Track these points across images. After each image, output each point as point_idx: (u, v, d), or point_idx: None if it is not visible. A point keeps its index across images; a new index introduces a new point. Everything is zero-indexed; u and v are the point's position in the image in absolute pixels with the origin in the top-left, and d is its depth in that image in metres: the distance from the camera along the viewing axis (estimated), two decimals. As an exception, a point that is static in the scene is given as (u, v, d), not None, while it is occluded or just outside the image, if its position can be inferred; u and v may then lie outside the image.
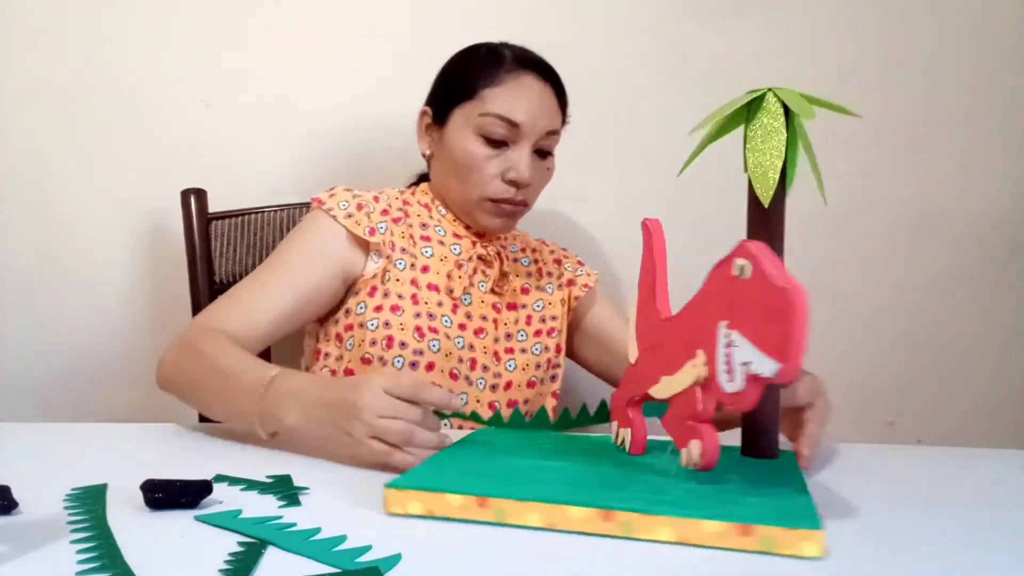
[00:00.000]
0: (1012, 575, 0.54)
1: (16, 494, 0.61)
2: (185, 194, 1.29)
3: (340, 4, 1.41)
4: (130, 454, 0.81)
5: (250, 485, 0.68)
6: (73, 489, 0.66)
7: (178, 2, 1.39)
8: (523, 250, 1.18)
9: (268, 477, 0.71)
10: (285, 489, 0.67)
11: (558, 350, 1.13)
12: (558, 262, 1.19)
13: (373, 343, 0.99)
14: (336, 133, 1.43)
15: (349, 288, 1.05)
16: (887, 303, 1.52)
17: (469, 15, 1.42)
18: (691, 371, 0.61)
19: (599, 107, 1.44)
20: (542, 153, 1.06)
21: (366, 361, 1.00)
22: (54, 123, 1.38)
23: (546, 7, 1.44)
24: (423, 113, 1.10)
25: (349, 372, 1.02)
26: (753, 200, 0.71)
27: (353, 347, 1.01)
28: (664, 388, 0.66)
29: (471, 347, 1.04)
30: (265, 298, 0.97)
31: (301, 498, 0.65)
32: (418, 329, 1.00)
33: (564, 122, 1.10)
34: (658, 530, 0.55)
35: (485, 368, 1.05)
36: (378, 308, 1.01)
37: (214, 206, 1.31)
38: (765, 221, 0.72)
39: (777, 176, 0.70)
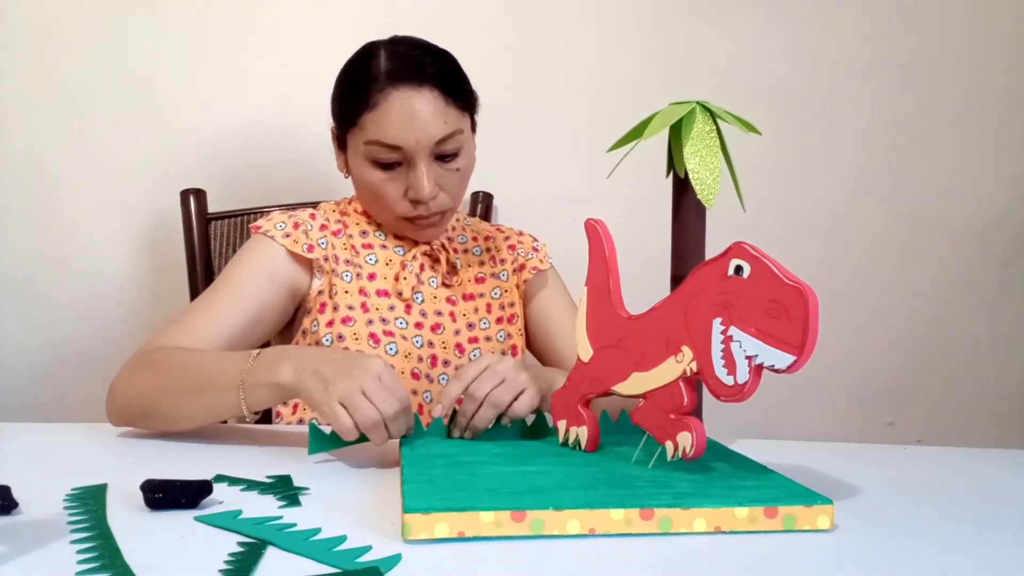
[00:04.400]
0: (1012, 575, 0.54)
1: (16, 494, 0.61)
2: (185, 194, 1.29)
3: (340, 4, 1.41)
4: (130, 454, 0.81)
5: (250, 485, 0.68)
6: (73, 489, 0.66)
7: (178, 2, 1.39)
8: (474, 239, 1.16)
9: (268, 477, 0.71)
10: (285, 489, 0.67)
11: (523, 336, 1.13)
12: (512, 247, 1.16)
13: None
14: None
15: (300, 307, 1.05)
16: (887, 303, 1.52)
17: (469, 16, 1.43)
18: (675, 366, 0.64)
19: (599, 107, 1.44)
20: (444, 157, 1.00)
21: None
22: (54, 123, 1.38)
23: (546, 7, 1.44)
24: (332, 133, 1.08)
25: None
26: (688, 202, 0.80)
27: None
28: (637, 384, 0.68)
29: (430, 344, 1.04)
30: (213, 320, 0.95)
31: (301, 498, 0.65)
32: (372, 336, 1.00)
33: (467, 109, 1.03)
34: (695, 523, 0.58)
35: (447, 363, 1.04)
36: (330, 323, 1.01)
37: (214, 206, 1.31)
38: (700, 221, 0.80)
39: (719, 181, 0.77)
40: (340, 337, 1.00)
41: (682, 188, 0.80)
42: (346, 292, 1.02)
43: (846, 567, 0.53)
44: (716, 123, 0.78)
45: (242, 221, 1.31)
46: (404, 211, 1.02)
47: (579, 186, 1.45)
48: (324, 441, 0.76)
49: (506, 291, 1.13)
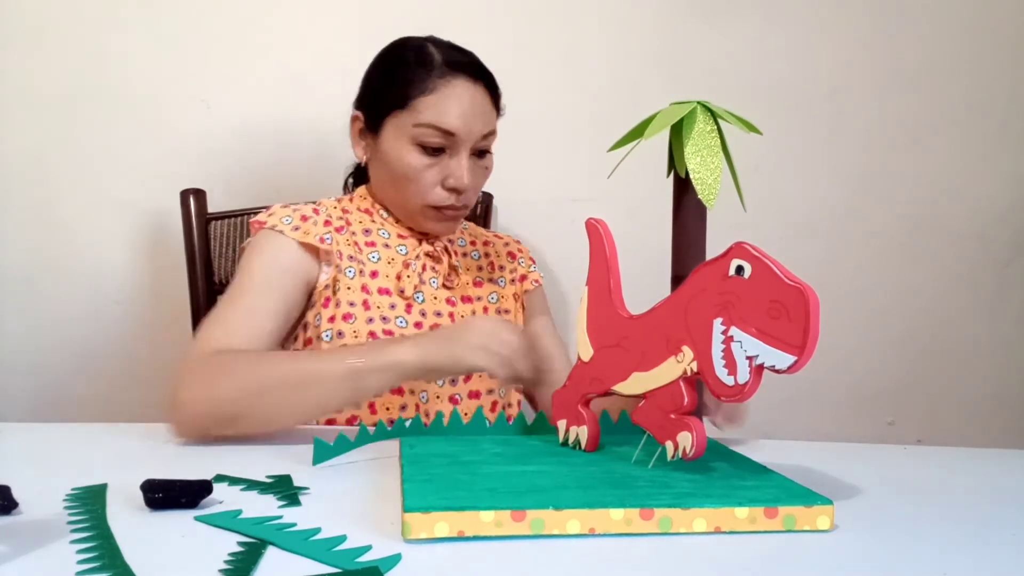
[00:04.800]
0: (1012, 575, 0.54)
1: (16, 494, 0.61)
2: (185, 194, 1.29)
3: (340, 4, 1.41)
4: (130, 454, 0.81)
5: (250, 485, 0.68)
6: (73, 489, 0.66)
7: (178, 2, 1.39)
8: (472, 243, 1.18)
9: (268, 477, 0.71)
10: (285, 489, 0.67)
11: None
12: (512, 256, 1.19)
13: None
14: (335, 133, 1.43)
15: (307, 300, 1.05)
16: (887, 303, 1.52)
17: (469, 16, 1.43)
18: (676, 366, 0.64)
19: (599, 107, 1.44)
20: (480, 153, 1.05)
21: None
22: (54, 123, 1.38)
23: (546, 7, 1.44)
24: (355, 118, 1.08)
25: None
26: (689, 202, 0.80)
27: None
28: (637, 384, 0.68)
29: None
30: (249, 321, 0.95)
31: (301, 498, 0.65)
32: (371, 334, 1.00)
33: (498, 115, 1.08)
34: (695, 523, 0.58)
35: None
36: (331, 319, 1.01)
37: (214, 206, 1.31)
38: (700, 221, 0.80)
39: (719, 181, 0.77)
40: (340, 334, 1.00)
41: (683, 188, 0.80)
42: (348, 288, 1.02)
43: (846, 567, 0.53)
44: (717, 123, 0.78)
45: (242, 221, 1.31)
46: (437, 199, 1.03)
47: (579, 186, 1.45)
48: (328, 450, 0.76)
49: (503, 297, 1.14)
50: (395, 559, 0.52)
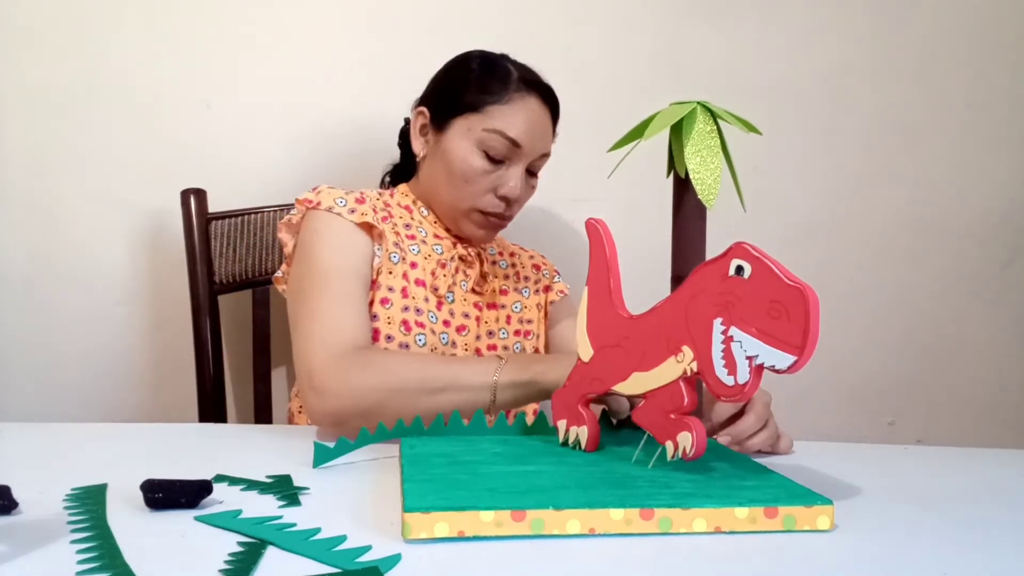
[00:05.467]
0: (1012, 575, 0.54)
1: (16, 494, 0.61)
2: (185, 194, 1.29)
3: (340, 4, 1.41)
4: (130, 454, 0.81)
5: (250, 485, 0.68)
6: (73, 489, 0.66)
7: (178, 3, 1.39)
8: (500, 253, 1.21)
9: (268, 477, 0.71)
10: (285, 489, 0.67)
11: (536, 352, 1.15)
12: (536, 267, 1.22)
13: None
14: (335, 133, 1.43)
15: None
16: (887, 303, 1.52)
17: (470, 16, 1.42)
18: (676, 366, 0.64)
19: (599, 107, 1.44)
20: (531, 172, 1.10)
21: None
22: (54, 123, 1.38)
23: (546, 8, 1.44)
24: (419, 113, 1.11)
25: None
26: (689, 202, 0.80)
27: None
28: (638, 384, 0.68)
29: (453, 344, 1.06)
30: (352, 311, 0.95)
31: (301, 498, 0.65)
32: (404, 323, 1.01)
33: (553, 141, 1.13)
34: (695, 523, 0.58)
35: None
36: (370, 301, 1.02)
37: (214, 206, 1.31)
38: (700, 221, 0.81)
39: (719, 181, 0.77)
40: (375, 317, 1.01)
41: (683, 188, 0.80)
42: (391, 273, 1.04)
43: (846, 567, 0.53)
44: (717, 123, 0.78)
45: (242, 221, 1.31)
46: (486, 205, 1.06)
47: (579, 186, 1.45)
48: (329, 453, 0.76)
49: (526, 307, 1.16)
50: (395, 559, 0.52)
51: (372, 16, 1.41)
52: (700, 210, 0.80)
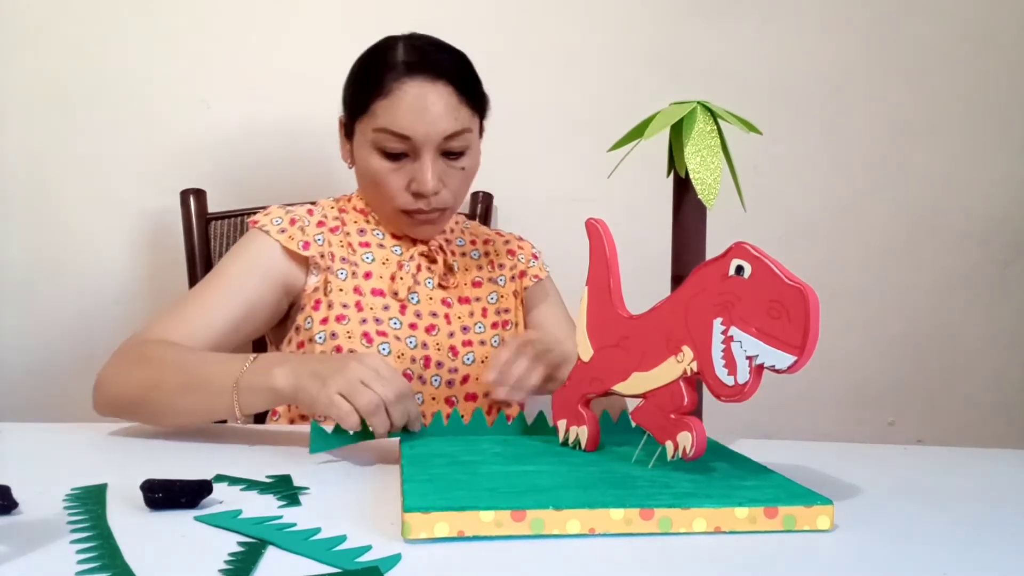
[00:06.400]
0: (1012, 575, 0.54)
1: (16, 494, 0.61)
2: (185, 194, 1.29)
3: (340, 4, 1.41)
4: (130, 454, 0.81)
5: (250, 485, 0.68)
6: (73, 489, 0.66)
7: (178, 2, 1.38)
8: (472, 242, 1.16)
9: (268, 477, 0.71)
10: (285, 489, 0.67)
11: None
12: (511, 253, 1.17)
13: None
14: (335, 133, 1.43)
15: (294, 304, 1.05)
16: (887, 303, 1.52)
17: (469, 16, 1.43)
18: (676, 366, 0.64)
19: (599, 107, 1.44)
20: (452, 154, 1.01)
21: None
22: (54, 123, 1.38)
23: (545, 8, 1.44)
24: (340, 122, 1.08)
25: None
26: (689, 202, 0.81)
27: None
28: (637, 384, 0.68)
29: (424, 345, 1.03)
30: (205, 314, 0.96)
31: (301, 498, 0.65)
32: (365, 335, 1.00)
33: (477, 111, 1.04)
34: (695, 523, 0.58)
35: (440, 365, 1.04)
36: (324, 320, 1.01)
37: (214, 206, 1.31)
38: (700, 221, 0.81)
39: (719, 180, 0.77)
40: (333, 335, 1.00)
41: (683, 188, 0.80)
42: (341, 290, 1.02)
43: (846, 567, 0.54)
44: (717, 123, 0.78)
45: (242, 221, 1.31)
46: (404, 203, 1.02)
47: (579, 186, 1.45)
48: (326, 440, 0.76)
49: (503, 296, 1.13)
50: (395, 559, 0.52)
51: (372, 16, 1.41)
52: (700, 210, 0.81)
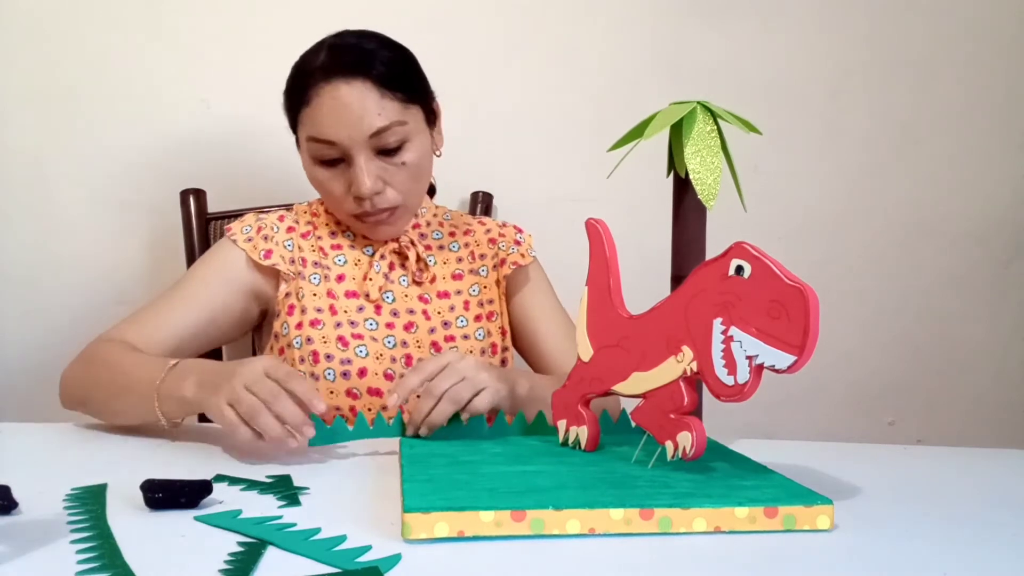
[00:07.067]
0: (1012, 575, 0.54)
1: (16, 494, 0.61)
2: (185, 194, 1.29)
3: (340, 4, 1.41)
4: (130, 454, 0.81)
5: (250, 485, 0.68)
6: (73, 489, 0.66)
7: (178, 3, 1.39)
8: (451, 234, 1.12)
9: (268, 477, 0.71)
10: (285, 489, 0.67)
11: (503, 333, 1.10)
12: (493, 241, 1.13)
13: (302, 360, 0.99)
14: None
15: (268, 310, 1.05)
16: (887, 303, 1.52)
17: (469, 16, 1.42)
18: (676, 366, 0.65)
19: (599, 107, 1.44)
20: (389, 151, 0.98)
21: None
22: (54, 123, 1.38)
23: (546, 7, 1.44)
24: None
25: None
26: (689, 202, 0.81)
27: None
28: (637, 384, 0.68)
29: (404, 343, 1.02)
30: (168, 318, 0.98)
31: (301, 498, 0.65)
32: (340, 339, 0.99)
33: (413, 101, 1.00)
34: (695, 522, 0.58)
35: (421, 361, 1.03)
36: (299, 325, 1.00)
37: (214, 206, 1.31)
38: (700, 221, 0.81)
39: (719, 181, 0.77)
40: (309, 340, 0.99)
41: (683, 188, 0.81)
42: (314, 295, 1.02)
43: (846, 567, 0.54)
44: (717, 123, 0.78)
45: (242, 221, 1.31)
46: (350, 208, 1.00)
47: (579, 186, 1.45)
48: (324, 434, 0.76)
49: (485, 287, 1.10)
50: (395, 559, 0.52)
51: (372, 16, 1.41)
52: (700, 210, 0.81)
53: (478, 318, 1.07)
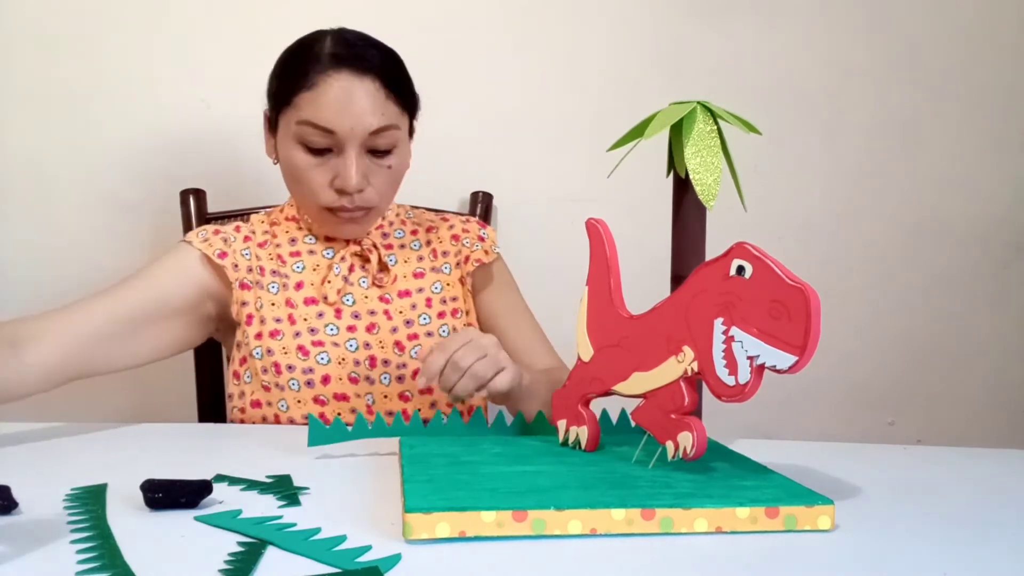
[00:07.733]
0: (1012, 575, 0.54)
1: (16, 494, 0.61)
2: (185, 194, 1.29)
3: (340, 4, 1.41)
4: (130, 454, 0.81)
5: (250, 485, 0.68)
6: (73, 489, 0.66)
7: (178, 3, 1.39)
8: (413, 232, 1.12)
9: (268, 477, 0.71)
10: (285, 489, 0.67)
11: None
12: (456, 238, 1.12)
13: (265, 371, 0.98)
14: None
15: (224, 316, 1.04)
16: (887, 303, 1.52)
17: (469, 17, 1.43)
18: (676, 366, 0.64)
19: (599, 107, 1.44)
20: (379, 152, 0.99)
21: (266, 389, 0.99)
22: (54, 123, 1.38)
23: (546, 7, 1.44)
24: (265, 116, 1.06)
25: (256, 404, 1.00)
26: (689, 202, 0.81)
27: (251, 379, 1.00)
28: (638, 384, 0.68)
29: (367, 345, 1.02)
30: (82, 320, 0.94)
31: (301, 498, 0.65)
32: (300, 348, 0.99)
33: (406, 109, 1.02)
34: (696, 523, 0.58)
35: (386, 363, 1.02)
36: (259, 336, 1.00)
37: (214, 206, 1.31)
38: (700, 221, 0.81)
39: (719, 181, 0.77)
40: (269, 351, 0.99)
41: (683, 188, 0.80)
42: (272, 304, 1.01)
43: (846, 567, 0.54)
44: (717, 123, 0.78)
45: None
46: (328, 200, 0.99)
47: (579, 186, 1.45)
48: (324, 434, 0.76)
49: (448, 284, 1.09)
50: (395, 559, 0.52)
51: (371, 16, 1.41)
52: (700, 210, 0.81)
53: (441, 315, 1.06)
